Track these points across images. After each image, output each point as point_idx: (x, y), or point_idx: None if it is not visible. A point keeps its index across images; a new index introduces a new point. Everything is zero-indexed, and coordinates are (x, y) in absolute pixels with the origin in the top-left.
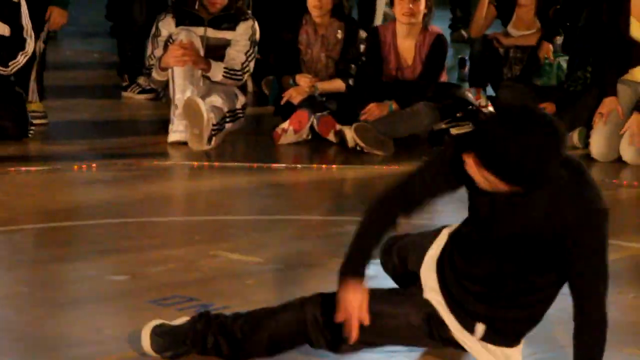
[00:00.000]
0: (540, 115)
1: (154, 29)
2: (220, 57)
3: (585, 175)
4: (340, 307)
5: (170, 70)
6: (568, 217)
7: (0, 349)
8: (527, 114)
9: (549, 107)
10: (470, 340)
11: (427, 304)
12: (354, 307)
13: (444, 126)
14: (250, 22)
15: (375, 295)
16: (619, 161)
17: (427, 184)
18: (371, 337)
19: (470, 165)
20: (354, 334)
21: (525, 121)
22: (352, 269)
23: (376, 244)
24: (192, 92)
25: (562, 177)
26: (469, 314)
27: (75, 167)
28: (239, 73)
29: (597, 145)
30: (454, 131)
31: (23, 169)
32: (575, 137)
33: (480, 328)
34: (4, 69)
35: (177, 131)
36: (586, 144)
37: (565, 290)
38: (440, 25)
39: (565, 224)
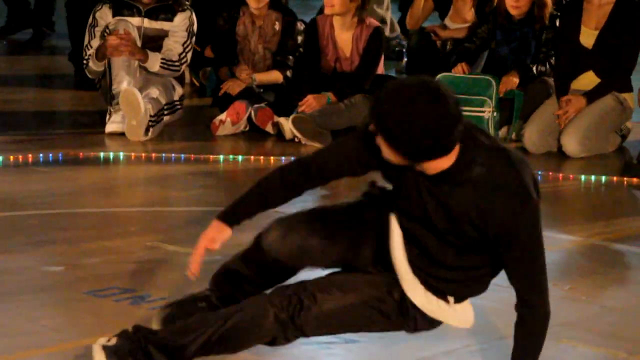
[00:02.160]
0: (424, 84)
1: (90, 19)
2: (158, 48)
3: (513, 163)
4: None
5: (107, 61)
6: (496, 207)
7: None
8: (412, 86)
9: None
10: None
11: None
12: (205, 239)
13: None
14: (187, 13)
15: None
16: (561, 154)
17: (337, 158)
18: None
19: (379, 141)
20: (193, 268)
21: (410, 92)
22: (225, 215)
23: (263, 203)
24: (129, 83)
25: (487, 164)
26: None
27: (11, 157)
28: (177, 64)
29: (531, 137)
30: None
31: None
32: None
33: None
34: None
35: (115, 122)
36: (520, 137)
37: (499, 281)
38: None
39: (493, 214)
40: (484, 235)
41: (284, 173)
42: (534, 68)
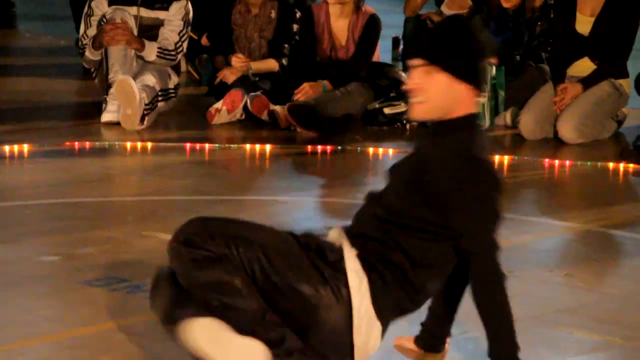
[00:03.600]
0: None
1: (86, 9)
2: (154, 37)
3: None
4: None
5: (103, 50)
6: (445, 166)
7: None
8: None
9: None
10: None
11: None
12: None
13: (377, 106)
14: (183, 2)
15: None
16: (557, 140)
17: None
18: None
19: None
20: None
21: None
22: None
23: None
24: (125, 71)
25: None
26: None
27: (6, 147)
28: (173, 53)
29: (526, 124)
30: (387, 111)
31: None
32: (507, 116)
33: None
34: None
35: (110, 111)
36: (516, 123)
37: None
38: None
39: (440, 174)
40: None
41: None
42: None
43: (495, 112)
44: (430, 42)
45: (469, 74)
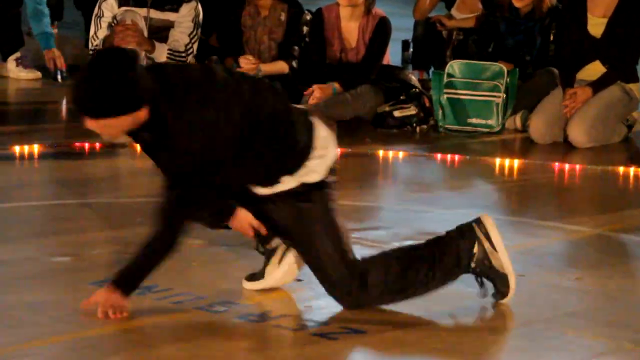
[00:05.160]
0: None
1: (96, 10)
2: (164, 39)
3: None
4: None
5: None
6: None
7: None
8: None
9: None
10: None
11: None
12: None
13: (387, 108)
14: (193, 4)
15: None
16: (567, 144)
17: None
18: None
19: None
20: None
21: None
22: None
23: None
24: None
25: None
26: None
27: (17, 148)
28: (183, 54)
29: (537, 127)
30: (397, 113)
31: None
32: (517, 119)
33: None
34: None
35: None
36: (526, 127)
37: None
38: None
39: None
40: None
41: None
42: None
43: (505, 115)
44: (87, 100)
45: (131, 107)
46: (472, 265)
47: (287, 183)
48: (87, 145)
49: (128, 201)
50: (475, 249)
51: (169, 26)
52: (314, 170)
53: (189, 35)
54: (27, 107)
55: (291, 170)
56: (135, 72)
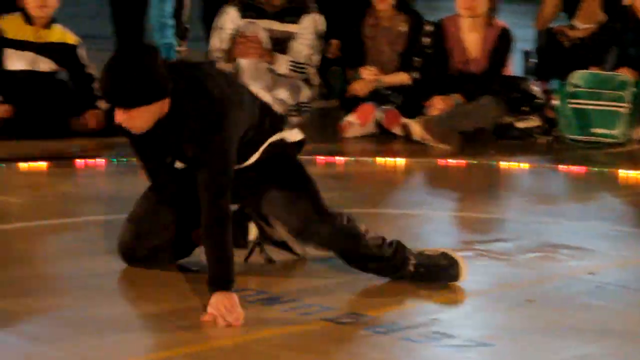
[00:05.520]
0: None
1: (218, 21)
2: (285, 50)
3: (204, 79)
4: None
5: (235, 63)
6: (190, 120)
7: (59, 333)
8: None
9: None
10: None
11: None
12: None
13: (510, 120)
14: (315, 15)
15: None
16: None
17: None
18: None
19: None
20: None
21: (117, 59)
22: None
23: None
24: (256, 85)
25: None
26: None
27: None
28: (304, 66)
29: None
30: (519, 125)
31: (92, 160)
32: None
33: None
34: None
35: None
36: None
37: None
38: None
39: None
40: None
41: None
42: None
43: (631, 125)
44: (117, 90)
45: (158, 95)
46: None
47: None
48: None
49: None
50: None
51: (290, 38)
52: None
53: (310, 47)
54: None
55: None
56: (158, 62)
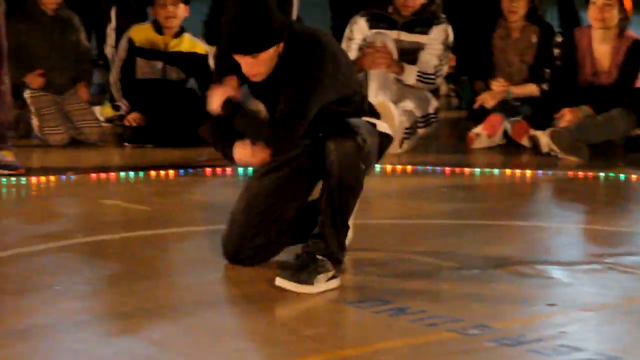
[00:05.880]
0: None
1: (347, 32)
2: (413, 61)
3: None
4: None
5: (363, 73)
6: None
7: (184, 340)
8: None
9: None
10: None
11: None
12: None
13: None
14: (444, 26)
15: None
16: None
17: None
18: None
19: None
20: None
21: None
22: None
23: None
24: (385, 95)
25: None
26: None
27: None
28: (432, 77)
29: None
30: None
31: (220, 170)
32: None
33: None
34: None
35: None
36: None
37: None
38: None
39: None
40: None
41: None
42: None
43: None
44: (243, 37)
45: (280, 37)
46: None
47: None
48: None
49: (378, 222)
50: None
51: (418, 48)
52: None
53: (439, 57)
54: None
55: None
56: (275, 5)
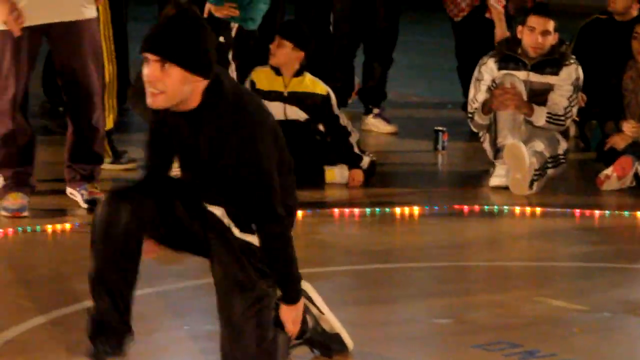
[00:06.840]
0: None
1: (476, 73)
2: (543, 102)
3: (244, 97)
4: None
5: (492, 115)
6: (229, 136)
7: None
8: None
9: None
10: None
11: None
12: None
13: None
14: (574, 67)
15: None
16: None
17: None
18: None
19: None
20: None
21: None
22: None
23: None
24: (514, 136)
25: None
26: None
27: (398, 209)
28: (562, 118)
29: None
30: None
31: (347, 210)
32: None
33: None
34: None
35: (499, 175)
36: None
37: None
38: None
39: (226, 142)
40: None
41: None
42: None
43: None
44: (164, 38)
45: (201, 67)
46: (307, 336)
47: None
48: (465, 207)
49: (508, 264)
50: (307, 319)
51: (548, 89)
52: None
53: (569, 99)
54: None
55: None
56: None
